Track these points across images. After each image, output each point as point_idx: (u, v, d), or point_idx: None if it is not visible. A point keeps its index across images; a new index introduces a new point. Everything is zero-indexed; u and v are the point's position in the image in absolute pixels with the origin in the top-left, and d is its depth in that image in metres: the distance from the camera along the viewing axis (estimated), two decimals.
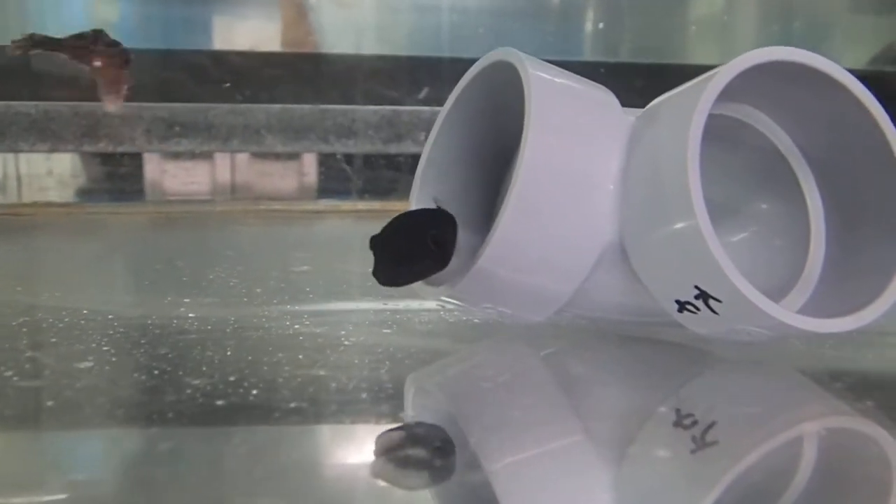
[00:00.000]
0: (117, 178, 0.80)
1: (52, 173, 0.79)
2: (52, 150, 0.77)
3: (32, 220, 0.73)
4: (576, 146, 0.29)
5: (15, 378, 0.27)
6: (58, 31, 0.80)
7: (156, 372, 0.28)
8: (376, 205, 0.80)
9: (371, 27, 0.86)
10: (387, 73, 0.83)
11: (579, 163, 0.29)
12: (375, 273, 0.28)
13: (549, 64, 0.31)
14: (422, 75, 0.82)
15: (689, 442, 0.24)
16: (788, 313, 0.26)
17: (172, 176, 0.80)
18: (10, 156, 0.78)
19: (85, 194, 0.80)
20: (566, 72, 0.31)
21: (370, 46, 0.84)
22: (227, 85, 0.78)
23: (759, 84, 0.29)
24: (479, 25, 0.85)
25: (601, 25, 0.83)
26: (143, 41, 0.82)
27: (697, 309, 0.27)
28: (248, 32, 0.84)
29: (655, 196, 0.27)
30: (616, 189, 0.29)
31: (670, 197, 0.26)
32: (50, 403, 0.25)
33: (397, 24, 0.86)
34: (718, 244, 0.26)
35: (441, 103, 0.34)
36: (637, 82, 0.28)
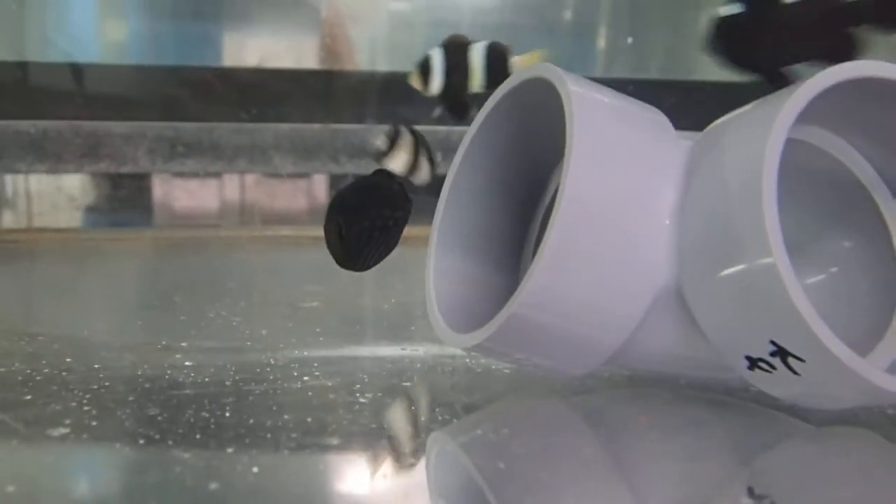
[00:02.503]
0: (123, 200, 0.77)
1: (60, 192, 0.76)
2: (51, 171, 0.74)
3: (28, 247, 0.70)
4: (625, 174, 0.25)
5: None
6: (65, 47, 0.77)
7: (141, 441, 0.24)
8: None
9: (384, 43, 0.82)
10: (400, 90, 0.80)
11: (629, 193, 0.25)
12: (336, 259, 0.28)
13: (591, 81, 0.27)
14: None
15: None
16: (892, 378, 0.22)
17: (178, 198, 0.77)
18: (21, 177, 0.74)
19: (93, 217, 0.77)
20: (611, 90, 0.27)
21: (383, 63, 0.81)
22: None
23: (834, 104, 0.25)
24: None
25: (630, 40, 0.79)
26: (154, 59, 0.79)
27: (773, 368, 0.23)
28: (259, 50, 0.80)
29: (721, 231, 0.23)
30: (672, 224, 0.25)
31: (741, 232, 0.23)
32: (11, 489, 0.21)
33: (411, 41, 0.82)
34: (800, 290, 0.22)
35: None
36: (668, 100, 0.25)
